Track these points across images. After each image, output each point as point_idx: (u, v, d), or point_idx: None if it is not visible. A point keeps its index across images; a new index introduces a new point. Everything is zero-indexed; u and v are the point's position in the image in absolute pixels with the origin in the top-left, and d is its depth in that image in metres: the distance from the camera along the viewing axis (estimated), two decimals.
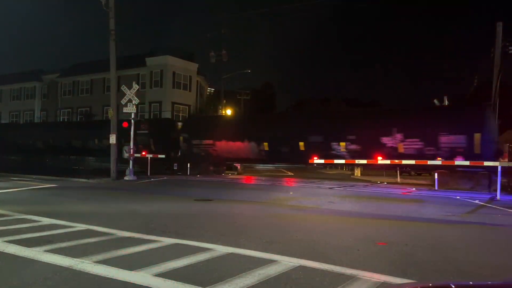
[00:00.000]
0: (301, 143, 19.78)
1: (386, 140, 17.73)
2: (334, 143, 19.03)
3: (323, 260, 5.41)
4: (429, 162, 16.50)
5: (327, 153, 18.91)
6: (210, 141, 22.71)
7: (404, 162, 17.27)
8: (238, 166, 27.06)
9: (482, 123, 16.43)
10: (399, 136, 17.54)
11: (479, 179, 16.40)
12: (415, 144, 17.35)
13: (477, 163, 14.98)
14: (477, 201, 12.65)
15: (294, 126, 21.31)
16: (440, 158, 16.49)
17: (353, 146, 18.61)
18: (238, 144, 21.87)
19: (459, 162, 15.77)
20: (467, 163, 15.44)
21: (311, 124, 20.89)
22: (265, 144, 21.03)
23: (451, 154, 16.42)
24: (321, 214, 9.91)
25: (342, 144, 18.81)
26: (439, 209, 10.84)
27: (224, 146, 22.38)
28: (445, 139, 16.70)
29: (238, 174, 25.85)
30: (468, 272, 5.21)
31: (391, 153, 17.57)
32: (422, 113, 19.16)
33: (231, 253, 5.76)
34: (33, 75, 50.01)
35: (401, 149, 17.51)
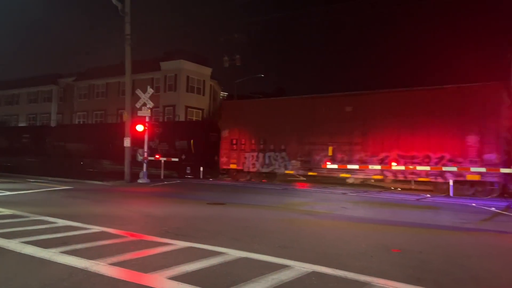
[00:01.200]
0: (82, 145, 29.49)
1: (151, 143, 23.64)
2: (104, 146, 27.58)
3: (337, 266, 5.38)
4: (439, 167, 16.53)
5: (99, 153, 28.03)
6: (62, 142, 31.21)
7: (419, 168, 17.18)
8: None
9: (196, 133, 24.72)
10: (157, 141, 24.76)
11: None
12: (165, 146, 24.94)
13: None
14: (493, 209, 12.45)
15: (79, 134, 31.47)
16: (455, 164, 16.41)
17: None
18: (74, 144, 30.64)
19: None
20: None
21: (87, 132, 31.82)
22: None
23: (182, 153, 24.04)
24: (334, 219, 9.86)
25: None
26: (454, 216, 10.69)
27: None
28: (178, 143, 24.56)
29: (250, 178, 25.79)
30: (484, 280, 5.13)
31: (154, 152, 23.99)
32: (170, 125, 29.03)
33: (244, 258, 5.77)
34: (50, 79, 50.84)
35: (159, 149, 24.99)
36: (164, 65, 39.18)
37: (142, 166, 20.42)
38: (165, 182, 20.02)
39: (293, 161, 20.00)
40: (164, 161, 22.95)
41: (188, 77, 39.13)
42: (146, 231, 7.58)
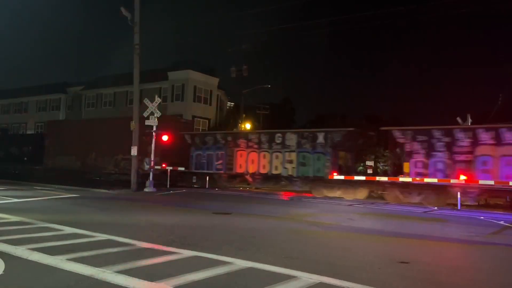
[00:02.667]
0: None
1: (12, 150, 35.14)
2: None
3: (343, 277, 5.33)
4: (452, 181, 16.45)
5: None
6: None
7: (426, 180, 17.09)
8: (250, 179, 26.81)
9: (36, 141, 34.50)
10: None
11: None
12: (16, 151, 34.89)
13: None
14: (502, 222, 12.30)
15: None
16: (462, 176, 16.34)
17: None
18: None
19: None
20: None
21: None
22: None
23: (26, 156, 34.01)
24: (340, 231, 9.79)
25: None
26: (463, 229, 10.58)
27: None
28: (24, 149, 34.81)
29: (255, 188, 25.71)
30: None
31: None
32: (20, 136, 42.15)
33: (250, 268, 5.73)
34: (59, 87, 51.37)
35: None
36: (171, 75, 39.46)
37: None
38: (171, 191, 20.04)
39: (78, 162, 28.90)
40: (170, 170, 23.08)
41: (195, 87, 39.36)
42: (152, 239, 7.57)
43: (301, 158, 20.60)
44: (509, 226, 11.67)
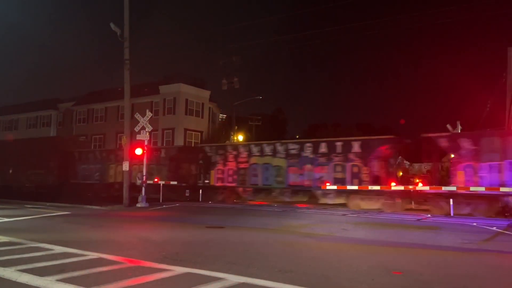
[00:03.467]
0: None
1: None
2: None
3: None
4: (443, 188, 16.54)
5: None
6: None
7: (418, 188, 17.18)
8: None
9: None
10: None
11: None
12: None
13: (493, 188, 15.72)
14: (494, 228, 12.35)
15: None
16: (455, 185, 16.44)
17: None
18: None
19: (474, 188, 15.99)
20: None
21: None
22: None
23: None
24: (334, 241, 9.76)
25: None
26: (456, 237, 10.59)
27: None
28: None
29: (249, 200, 25.63)
30: None
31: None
32: None
33: (243, 283, 5.68)
34: (49, 104, 51.06)
35: None
36: (163, 88, 39.45)
37: None
38: (164, 206, 19.89)
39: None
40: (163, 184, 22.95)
41: (187, 100, 39.36)
42: (144, 256, 7.48)
43: (151, 170, 24.74)
44: (501, 232, 11.72)
